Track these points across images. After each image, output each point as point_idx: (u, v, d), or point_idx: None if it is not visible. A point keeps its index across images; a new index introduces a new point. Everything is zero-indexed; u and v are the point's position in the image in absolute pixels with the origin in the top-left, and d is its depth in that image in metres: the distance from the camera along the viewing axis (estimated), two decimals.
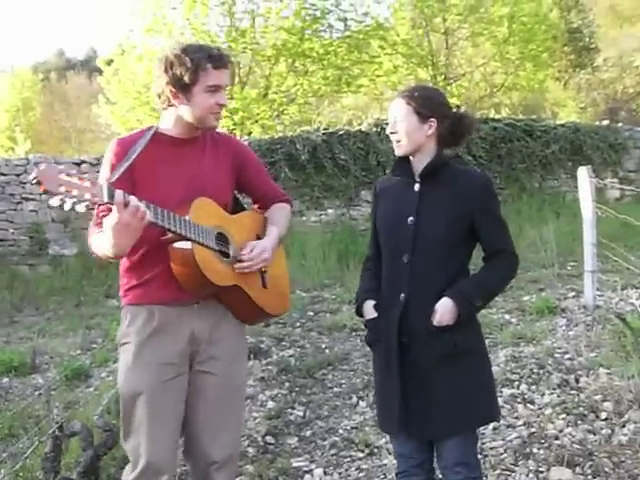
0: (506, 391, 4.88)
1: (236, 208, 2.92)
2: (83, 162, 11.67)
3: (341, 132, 12.46)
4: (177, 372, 2.68)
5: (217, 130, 2.99)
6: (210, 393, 2.74)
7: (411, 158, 2.83)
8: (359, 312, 2.95)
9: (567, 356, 5.44)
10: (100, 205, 2.33)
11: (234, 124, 16.46)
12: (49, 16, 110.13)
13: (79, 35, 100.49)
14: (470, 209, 2.72)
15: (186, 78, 2.61)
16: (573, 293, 7.28)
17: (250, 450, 4.42)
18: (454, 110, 2.88)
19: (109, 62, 18.36)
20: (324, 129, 12.60)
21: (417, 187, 2.80)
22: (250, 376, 5.57)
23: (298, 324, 7.17)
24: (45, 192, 2.13)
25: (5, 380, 5.99)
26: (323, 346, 6.45)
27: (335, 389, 5.42)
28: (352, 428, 4.68)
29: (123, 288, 2.76)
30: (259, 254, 2.76)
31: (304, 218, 12.03)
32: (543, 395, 4.78)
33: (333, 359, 6.00)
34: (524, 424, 4.39)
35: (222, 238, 2.70)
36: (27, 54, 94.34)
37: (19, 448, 4.14)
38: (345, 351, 6.21)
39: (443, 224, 2.71)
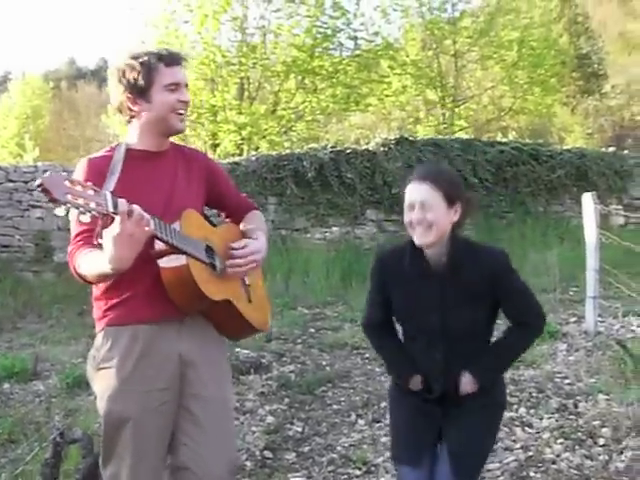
0: (505, 414, 4.87)
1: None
2: None
3: (348, 151, 12.49)
4: (167, 397, 2.56)
5: (186, 145, 2.96)
6: (206, 419, 2.59)
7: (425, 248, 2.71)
8: (403, 380, 2.88)
9: (567, 381, 5.45)
10: (104, 215, 2.16)
11: (242, 139, 16.57)
12: (61, 25, 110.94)
13: (91, 45, 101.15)
14: (494, 290, 2.69)
15: (141, 81, 2.56)
16: (575, 318, 7.29)
17: (248, 464, 4.42)
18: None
19: None
20: (331, 147, 12.64)
21: (436, 281, 2.71)
22: (250, 390, 5.60)
23: (299, 340, 7.19)
24: (52, 200, 2.01)
25: (6, 386, 5.99)
26: (324, 363, 6.45)
27: (334, 406, 5.42)
28: (350, 446, 4.69)
29: (101, 309, 2.60)
30: (251, 252, 2.69)
31: (308, 235, 12.06)
32: (541, 419, 4.79)
33: (333, 376, 6.01)
34: (521, 447, 4.40)
35: (210, 250, 2.60)
36: (38, 62, 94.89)
37: (19, 454, 4.16)
38: (346, 369, 6.22)
39: (471, 319, 2.71)
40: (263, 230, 2.89)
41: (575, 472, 4.01)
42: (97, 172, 2.51)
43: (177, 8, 16.60)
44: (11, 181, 11.32)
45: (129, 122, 2.67)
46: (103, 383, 2.58)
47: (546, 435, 4.52)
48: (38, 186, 1.99)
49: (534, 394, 5.21)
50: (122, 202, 2.17)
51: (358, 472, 4.30)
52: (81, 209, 2.05)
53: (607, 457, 4.16)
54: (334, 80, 17.56)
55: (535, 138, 17.07)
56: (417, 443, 2.77)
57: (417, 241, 2.66)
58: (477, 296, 2.68)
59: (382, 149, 12.60)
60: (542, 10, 21.84)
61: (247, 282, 2.81)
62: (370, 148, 12.71)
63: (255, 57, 16.74)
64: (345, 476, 4.28)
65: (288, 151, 13.07)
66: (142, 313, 2.53)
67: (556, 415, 4.82)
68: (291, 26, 16.98)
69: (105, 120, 20.70)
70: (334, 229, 12.25)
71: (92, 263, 2.36)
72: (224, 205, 2.95)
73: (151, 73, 2.57)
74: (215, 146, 17.11)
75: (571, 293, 8.57)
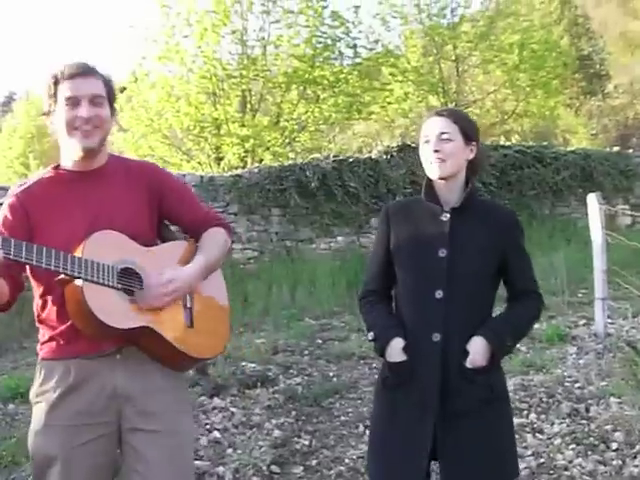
0: (515, 420, 4.78)
1: (168, 239, 2.64)
2: None
3: (351, 159, 12.43)
4: (97, 433, 2.38)
5: (134, 159, 2.83)
6: (152, 454, 2.39)
7: (439, 184, 2.61)
8: (382, 351, 2.62)
9: (577, 385, 5.38)
10: None
11: (245, 151, 16.53)
12: (63, 44, 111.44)
13: (92, 63, 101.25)
14: (502, 245, 2.56)
15: (46, 99, 2.43)
16: (584, 321, 7.23)
17: (255, 479, 4.36)
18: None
19: (122, 89, 18.50)
20: (334, 156, 12.60)
21: (446, 217, 2.58)
22: (256, 404, 5.53)
23: (306, 352, 7.13)
24: None
25: (11, 407, 5.95)
26: (331, 374, 6.40)
27: (342, 418, 5.36)
28: (358, 457, 4.63)
29: (40, 341, 2.51)
30: (165, 284, 2.42)
31: (314, 245, 12.01)
32: (552, 424, 4.72)
33: (341, 387, 5.95)
34: (533, 454, 4.33)
35: (128, 274, 2.39)
36: (42, 81, 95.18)
37: (22, 476, 4.11)
38: (353, 379, 6.16)
39: (478, 258, 2.53)
40: (207, 252, 2.59)
41: (588, 478, 3.96)
42: None
43: (176, 23, 16.60)
44: None
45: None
46: (34, 419, 2.46)
47: (557, 441, 4.45)
48: None
49: (544, 399, 5.15)
50: None
51: None
52: None
53: (620, 462, 4.10)
54: (336, 89, 17.51)
55: (539, 141, 17.01)
56: (412, 462, 2.52)
57: (433, 174, 2.58)
58: (486, 242, 2.55)
59: (384, 157, 12.55)
60: (542, 12, 21.83)
61: (189, 305, 2.52)
62: (373, 156, 12.67)
63: (256, 69, 16.70)
64: None
65: (291, 162, 13.02)
66: (73, 347, 2.41)
67: (567, 420, 4.76)
68: (290, 36, 16.96)
69: (109, 137, 20.62)
70: (339, 239, 12.19)
71: None
72: (180, 220, 2.69)
73: (54, 87, 2.43)
74: (219, 159, 17.08)
75: (579, 295, 8.51)
